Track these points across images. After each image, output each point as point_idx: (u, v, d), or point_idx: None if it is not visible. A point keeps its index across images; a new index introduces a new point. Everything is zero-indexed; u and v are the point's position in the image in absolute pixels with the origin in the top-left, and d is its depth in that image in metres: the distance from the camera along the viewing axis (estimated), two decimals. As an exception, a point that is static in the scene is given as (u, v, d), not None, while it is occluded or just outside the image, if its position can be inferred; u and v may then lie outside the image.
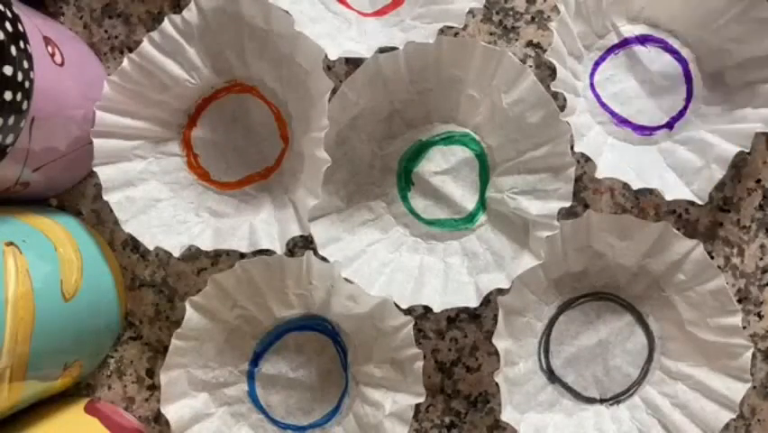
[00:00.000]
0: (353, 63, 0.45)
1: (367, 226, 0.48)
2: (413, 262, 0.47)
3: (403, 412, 0.45)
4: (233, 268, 0.46)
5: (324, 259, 0.46)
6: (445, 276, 0.46)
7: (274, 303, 0.47)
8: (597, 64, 0.48)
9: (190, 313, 0.46)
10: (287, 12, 0.43)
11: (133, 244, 0.50)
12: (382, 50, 0.44)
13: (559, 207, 0.44)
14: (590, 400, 0.47)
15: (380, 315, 0.45)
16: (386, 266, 0.46)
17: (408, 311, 0.46)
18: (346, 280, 0.45)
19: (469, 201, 0.47)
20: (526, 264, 0.44)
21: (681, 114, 0.47)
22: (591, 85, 0.48)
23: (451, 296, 0.45)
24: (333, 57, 0.42)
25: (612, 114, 0.47)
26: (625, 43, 0.48)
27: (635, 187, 0.43)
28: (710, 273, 0.44)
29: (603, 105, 0.47)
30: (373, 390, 0.46)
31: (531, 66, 0.49)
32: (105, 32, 0.50)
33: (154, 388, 0.51)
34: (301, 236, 0.45)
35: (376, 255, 0.47)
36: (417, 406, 0.46)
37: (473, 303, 0.44)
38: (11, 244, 0.41)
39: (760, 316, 0.48)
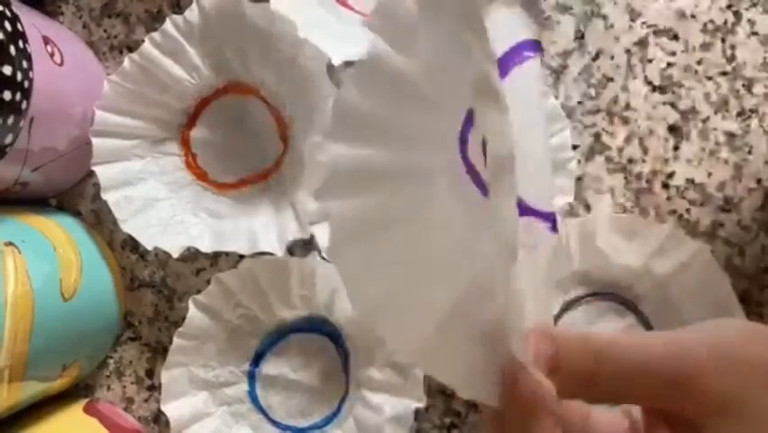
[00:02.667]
0: (354, 63, 0.45)
1: (371, 228, 0.48)
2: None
3: (403, 417, 0.45)
4: (237, 267, 0.46)
5: (328, 262, 0.45)
6: None
7: (277, 304, 0.47)
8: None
9: (193, 312, 0.46)
10: (290, 18, 0.43)
11: (132, 245, 0.50)
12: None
13: (561, 203, 0.44)
14: (592, 401, 0.46)
15: (384, 317, 0.45)
16: None
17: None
18: None
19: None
20: None
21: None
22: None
23: None
24: (337, 62, 0.42)
25: None
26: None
27: None
28: (716, 276, 0.44)
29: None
30: (374, 393, 0.46)
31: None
32: (105, 31, 0.50)
33: (153, 388, 0.50)
34: (301, 238, 0.44)
35: None
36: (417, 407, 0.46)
37: None
38: (10, 244, 0.41)
39: (761, 316, 0.47)
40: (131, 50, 0.49)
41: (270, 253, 0.45)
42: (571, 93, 0.48)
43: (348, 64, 0.45)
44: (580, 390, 0.23)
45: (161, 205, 0.48)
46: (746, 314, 0.46)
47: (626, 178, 0.48)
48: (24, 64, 0.38)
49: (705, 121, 0.47)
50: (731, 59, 0.47)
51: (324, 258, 0.46)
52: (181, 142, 0.49)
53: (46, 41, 0.42)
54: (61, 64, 0.43)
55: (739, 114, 0.47)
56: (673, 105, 0.48)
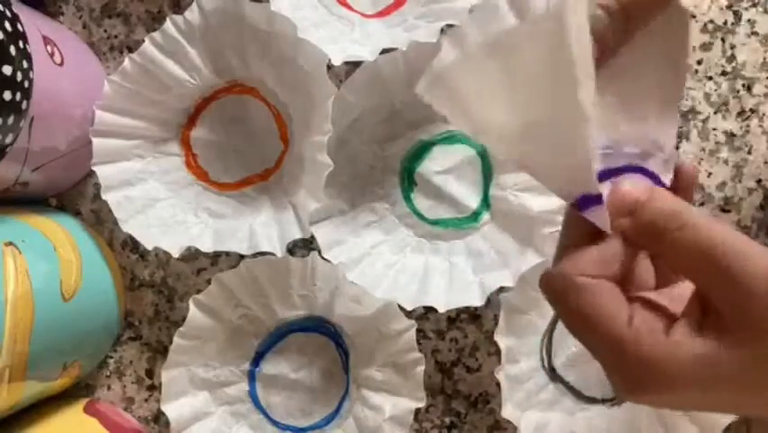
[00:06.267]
0: (353, 63, 0.45)
1: (371, 228, 0.48)
2: (417, 263, 0.47)
3: (403, 417, 0.45)
4: (237, 267, 0.46)
5: (328, 261, 0.46)
6: (450, 276, 0.46)
7: (277, 303, 0.47)
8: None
9: (193, 312, 0.46)
10: (290, 18, 0.43)
11: (133, 244, 0.50)
12: (384, 51, 0.44)
13: (561, 203, 0.44)
14: (592, 400, 0.47)
15: (384, 318, 0.45)
16: (390, 267, 0.46)
17: (409, 313, 0.46)
18: (351, 282, 0.45)
19: (472, 200, 0.47)
20: (531, 261, 0.44)
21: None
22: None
23: (455, 296, 0.45)
24: (337, 62, 0.42)
25: None
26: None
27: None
28: None
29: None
30: (374, 393, 0.46)
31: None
32: (105, 31, 0.50)
33: (153, 388, 0.50)
34: (302, 238, 0.45)
35: (380, 257, 0.47)
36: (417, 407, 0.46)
37: (478, 302, 0.44)
38: (10, 244, 0.41)
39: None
40: (131, 50, 0.49)
41: (270, 253, 0.45)
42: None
43: (348, 64, 0.45)
44: (646, 237, 0.25)
45: (162, 205, 0.48)
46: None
47: (625, 178, 0.48)
48: (24, 64, 0.38)
49: (705, 121, 0.48)
50: (731, 59, 0.47)
51: (324, 258, 0.46)
52: (181, 143, 0.49)
53: (46, 41, 0.42)
54: (61, 64, 0.43)
55: (739, 114, 0.47)
56: (673, 105, 0.48)
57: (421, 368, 0.45)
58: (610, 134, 0.27)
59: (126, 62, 0.46)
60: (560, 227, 0.43)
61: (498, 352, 0.44)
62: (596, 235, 0.26)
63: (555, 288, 0.26)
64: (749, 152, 0.47)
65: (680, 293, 0.27)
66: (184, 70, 0.47)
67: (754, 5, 0.47)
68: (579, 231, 0.27)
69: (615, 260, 0.25)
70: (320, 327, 0.48)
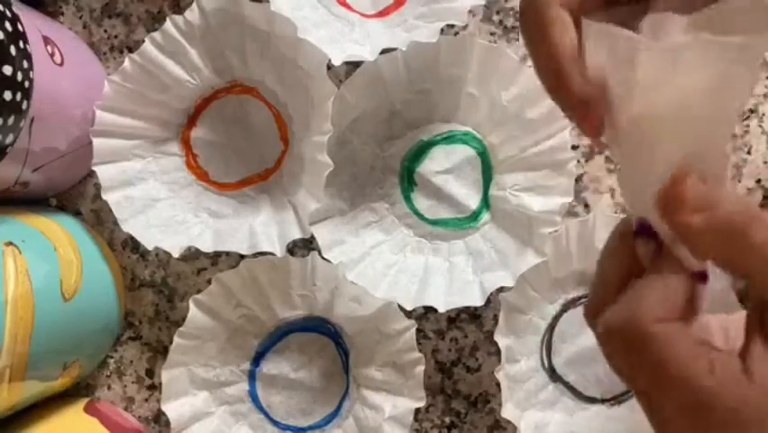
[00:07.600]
0: (353, 63, 0.45)
1: (371, 228, 0.48)
2: (417, 263, 0.47)
3: (403, 416, 0.45)
4: (237, 267, 0.46)
5: (328, 261, 0.46)
6: (450, 276, 0.46)
7: (277, 303, 0.47)
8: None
9: (193, 311, 0.46)
10: (290, 18, 0.43)
11: (133, 244, 0.50)
12: (384, 51, 0.44)
13: (561, 203, 0.44)
14: (591, 400, 0.47)
15: (384, 318, 0.45)
16: (390, 267, 0.46)
17: (409, 313, 0.46)
18: (351, 282, 0.45)
19: (472, 200, 0.47)
20: (530, 262, 0.44)
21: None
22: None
23: (455, 296, 0.45)
24: (337, 62, 0.42)
25: None
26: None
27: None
28: (713, 275, 0.44)
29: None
30: (374, 393, 0.46)
31: (530, 65, 0.49)
32: (105, 31, 0.50)
33: (154, 388, 0.50)
34: (302, 238, 0.45)
35: (380, 257, 0.47)
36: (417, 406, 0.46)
37: (478, 302, 0.44)
38: (10, 244, 0.41)
39: (760, 315, 0.47)
40: (131, 50, 0.49)
41: (270, 253, 0.45)
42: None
43: (348, 64, 0.45)
44: (719, 238, 0.22)
45: (162, 205, 0.48)
46: (746, 313, 0.46)
47: (625, 177, 0.48)
48: (25, 64, 0.38)
49: (704, 121, 0.47)
50: (731, 58, 0.47)
51: (324, 258, 0.46)
52: (182, 143, 0.49)
53: (46, 41, 0.42)
54: (61, 64, 0.43)
55: (739, 114, 0.47)
56: (673, 105, 0.48)
57: (421, 368, 0.45)
58: None
59: (126, 62, 0.46)
60: (559, 227, 0.44)
61: (498, 352, 0.44)
62: (634, 270, 0.24)
63: (625, 337, 0.22)
64: (749, 152, 0.47)
65: (706, 322, 0.25)
66: (184, 70, 0.47)
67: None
68: (619, 266, 0.24)
69: (683, 296, 0.23)
70: (320, 326, 0.48)
